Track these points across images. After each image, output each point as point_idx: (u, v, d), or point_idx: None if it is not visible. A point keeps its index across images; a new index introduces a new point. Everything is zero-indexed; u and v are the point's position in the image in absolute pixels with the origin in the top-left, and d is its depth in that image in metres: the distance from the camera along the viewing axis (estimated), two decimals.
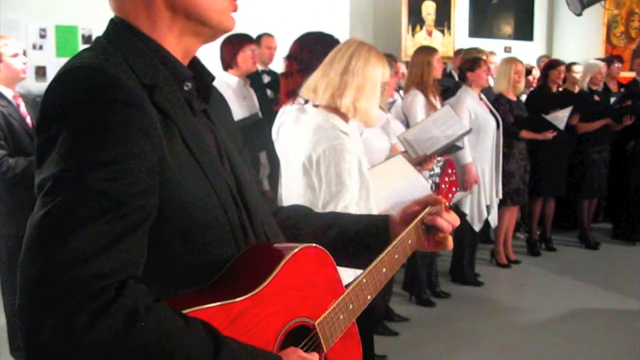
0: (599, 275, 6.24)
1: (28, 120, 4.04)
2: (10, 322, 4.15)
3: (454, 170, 1.85)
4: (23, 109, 4.06)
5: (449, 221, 1.58)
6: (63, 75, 1.14)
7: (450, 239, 1.61)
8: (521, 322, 5.06)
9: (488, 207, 5.76)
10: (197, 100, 1.33)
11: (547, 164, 6.54)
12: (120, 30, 1.25)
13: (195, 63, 1.35)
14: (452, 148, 4.50)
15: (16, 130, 3.92)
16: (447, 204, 1.71)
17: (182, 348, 1.02)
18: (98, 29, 6.65)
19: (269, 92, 5.73)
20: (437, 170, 1.81)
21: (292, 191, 2.77)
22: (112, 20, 1.29)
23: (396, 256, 1.52)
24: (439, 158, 1.85)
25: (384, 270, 1.49)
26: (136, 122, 1.09)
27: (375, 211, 2.75)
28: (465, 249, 5.89)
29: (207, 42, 1.34)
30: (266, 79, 5.78)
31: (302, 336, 1.30)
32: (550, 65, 6.84)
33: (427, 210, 1.60)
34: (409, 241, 1.56)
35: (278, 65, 5.41)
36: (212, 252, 1.23)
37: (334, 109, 2.68)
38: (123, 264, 1.03)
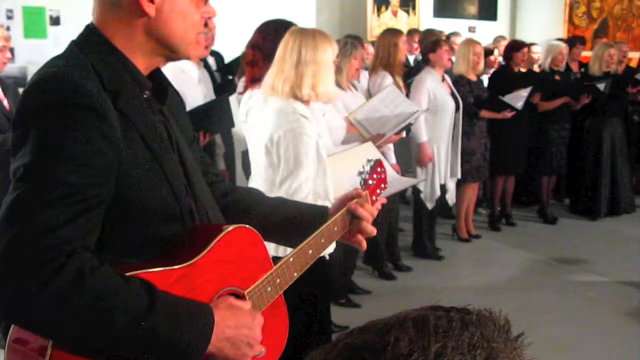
0: (555, 248, 6.50)
1: (5, 103, 4.24)
2: None
3: (383, 169, 2.07)
4: (0, 93, 4.26)
5: (369, 212, 1.85)
6: (37, 81, 1.38)
7: (371, 227, 1.86)
8: (479, 293, 5.28)
9: (443, 187, 5.96)
10: (155, 103, 1.57)
11: (508, 142, 6.72)
12: (94, 38, 1.48)
13: (156, 71, 1.59)
14: (407, 127, 4.69)
15: None
16: (374, 198, 1.98)
17: (121, 300, 1.28)
18: (66, 10, 6.72)
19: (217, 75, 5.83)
20: (368, 169, 2.03)
21: (255, 170, 3.01)
22: (88, 27, 1.51)
23: (322, 240, 1.75)
24: (369, 158, 2.07)
25: (311, 252, 1.72)
26: (96, 126, 1.33)
27: (331, 188, 2.95)
28: (424, 225, 6.11)
29: (168, 62, 1.59)
30: (210, 59, 5.85)
31: None
32: (513, 47, 6.98)
33: (352, 203, 1.85)
34: (335, 228, 1.80)
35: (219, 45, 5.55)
36: (162, 232, 1.47)
37: (294, 97, 2.87)
38: (74, 237, 1.28)
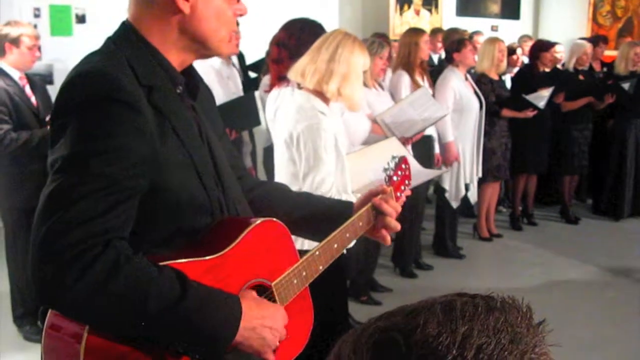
0: (576, 248, 6.47)
1: (33, 100, 4.30)
2: (13, 291, 4.37)
3: (407, 166, 2.10)
4: (28, 90, 4.32)
5: (393, 207, 1.89)
6: (74, 77, 1.42)
7: (395, 222, 1.90)
8: (500, 292, 5.26)
9: (467, 185, 5.97)
10: (187, 98, 1.61)
11: (530, 142, 6.70)
12: (129, 35, 1.52)
13: (188, 67, 1.63)
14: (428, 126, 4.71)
15: (20, 108, 4.20)
16: (398, 194, 2.02)
17: (155, 288, 1.33)
18: (91, 9, 6.80)
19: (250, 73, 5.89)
20: (392, 165, 2.06)
21: (278, 164, 3.07)
22: (123, 24, 1.55)
23: (347, 235, 1.80)
24: (394, 154, 2.09)
25: (336, 245, 1.76)
26: (132, 120, 1.38)
27: (349, 184, 3.01)
28: (446, 224, 6.12)
29: (201, 59, 1.63)
30: (233, 58, 5.91)
31: (261, 294, 1.57)
32: (541, 47, 6.95)
33: (378, 198, 1.89)
34: (360, 223, 1.84)
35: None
36: (192, 223, 1.52)
37: (318, 92, 2.91)
38: (111, 227, 1.33)
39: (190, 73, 1.63)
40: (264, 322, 1.48)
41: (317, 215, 1.90)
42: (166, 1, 1.49)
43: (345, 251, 2.97)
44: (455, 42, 6.02)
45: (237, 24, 5.33)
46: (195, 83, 1.65)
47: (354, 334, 0.74)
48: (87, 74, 1.41)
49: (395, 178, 2.01)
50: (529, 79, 6.81)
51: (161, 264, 1.38)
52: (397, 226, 1.90)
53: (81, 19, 6.87)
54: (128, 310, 1.32)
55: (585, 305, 5.04)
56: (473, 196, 6.17)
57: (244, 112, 4.63)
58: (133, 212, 1.40)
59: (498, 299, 0.74)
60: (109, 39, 1.54)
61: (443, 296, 0.75)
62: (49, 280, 1.29)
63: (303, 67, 2.94)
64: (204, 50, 1.58)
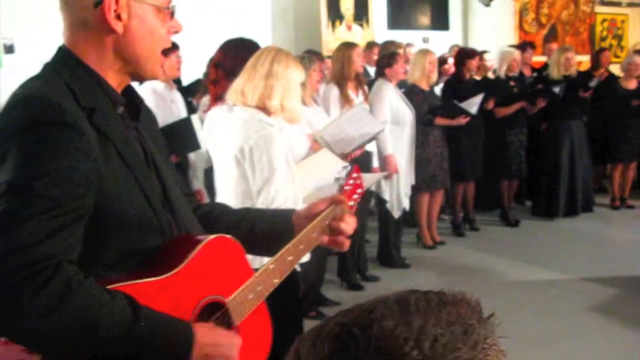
0: (518, 250, 6.63)
1: None
2: None
3: (358, 174, 2.11)
4: None
5: (349, 224, 1.89)
6: (13, 103, 1.41)
7: (347, 242, 1.90)
8: None
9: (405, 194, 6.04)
10: (129, 119, 1.60)
11: (463, 150, 6.83)
12: (66, 59, 1.51)
13: (128, 89, 1.62)
14: (367, 141, 4.76)
15: None
16: (350, 203, 2.01)
17: (106, 314, 1.31)
18: (19, 39, 6.66)
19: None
20: (343, 174, 2.07)
21: (223, 184, 3.02)
22: (60, 49, 1.54)
23: (301, 247, 1.78)
24: (345, 164, 2.11)
25: (290, 258, 1.75)
26: (73, 141, 1.36)
27: (300, 195, 3.00)
28: (390, 234, 6.17)
29: (137, 81, 1.64)
30: None
31: (216, 311, 1.56)
32: (466, 55, 7.10)
33: (331, 208, 1.88)
34: (314, 234, 1.83)
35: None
36: (143, 243, 1.50)
37: (260, 108, 2.92)
38: (59, 250, 1.31)
39: (129, 93, 1.62)
40: (217, 349, 1.47)
41: (259, 228, 1.88)
42: (99, 22, 1.48)
43: (298, 267, 2.99)
44: (386, 56, 6.10)
45: (177, 47, 5.30)
46: (137, 104, 1.64)
47: (312, 332, 0.76)
48: (26, 99, 1.40)
49: (346, 188, 2.02)
50: (456, 87, 6.94)
51: (113, 286, 1.37)
52: (347, 245, 1.90)
53: (9, 49, 6.73)
54: (79, 336, 1.30)
55: (530, 304, 5.15)
56: (406, 203, 6.18)
57: (182, 136, 4.60)
58: (80, 234, 1.38)
59: (449, 294, 0.78)
60: (46, 64, 1.53)
61: (396, 293, 0.78)
62: (1, 305, 1.27)
63: (242, 87, 2.94)
64: (139, 71, 1.57)
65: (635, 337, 4.58)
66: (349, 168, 2.06)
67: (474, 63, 7.02)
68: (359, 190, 2.09)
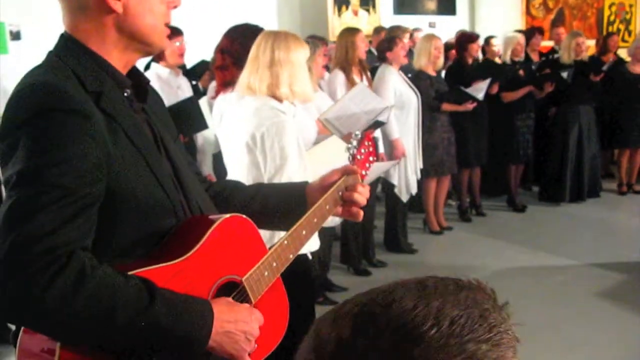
0: (525, 235, 6.61)
1: None
2: None
3: (370, 142, 2.05)
4: None
5: (362, 194, 1.87)
6: (19, 92, 1.41)
7: (361, 212, 1.89)
8: None
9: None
10: (136, 101, 1.60)
11: (468, 135, 6.80)
12: (69, 45, 1.51)
13: (134, 71, 1.62)
14: (376, 123, 4.73)
15: None
16: (362, 172, 1.97)
17: (122, 297, 1.32)
18: (25, 25, 6.67)
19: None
20: (355, 143, 2.03)
21: (235, 171, 2.98)
22: (62, 36, 1.54)
23: (315, 220, 1.77)
24: (357, 132, 2.05)
25: (304, 232, 1.74)
26: (82, 127, 1.36)
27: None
28: (397, 219, 6.17)
29: (144, 57, 1.64)
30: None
31: (233, 291, 1.56)
32: (467, 39, 7.07)
33: (343, 179, 1.85)
34: (327, 207, 1.81)
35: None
36: (156, 225, 1.50)
37: (270, 95, 2.89)
38: (73, 238, 1.32)
39: (136, 75, 1.62)
40: (237, 326, 1.48)
41: (272, 203, 1.87)
42: (98, 4, 1.48)
43: (309, 255, 2.98)
44: (386, 40, 6.08)
45: (181, 33, 5.28)
46: (143, 85, 1.64)
47: (331, 312, 0.77)
48: (32, 88, 1.40)
49: (359, 156, 1.98)
50: (460, 72, 6.91)
51: (128, 273, 1.37)
52: (361, 216, 1.89)
53: (16, 36, 6.72)
54: (96, 320, 1.30)
55: (537, 290, 5.15)
56: (414, 188, 6.18)
57: (188, 116, 4.59)
58: (94, 220, 1.38)
59: (465, 281, 0.80)
60: (50, 52, 1.53)
61: (414, 278, 0.79)
62: (16, 295, 1.27)
63: (247, 80, 2.91)
64: (145, 46, 1.57)
65: None
66: (360, 136, 2.01)
67: (475, 47, 7.00)
68: (372, 159, 2.04)
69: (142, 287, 1.35)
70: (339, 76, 5.47)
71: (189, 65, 6.34)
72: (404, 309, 0.73)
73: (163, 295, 1.37)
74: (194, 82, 5.87)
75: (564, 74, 7.26)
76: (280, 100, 2.91)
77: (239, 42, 3.34)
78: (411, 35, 7.67)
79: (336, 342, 0.73)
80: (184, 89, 5.13)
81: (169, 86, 4.95)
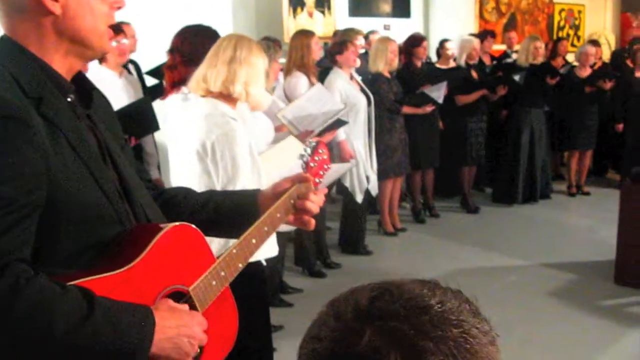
0: (478, 236, 6.70)
1: None
2: None
3: (324, 150, 2.04)
4: None
5: (315, 203, 1.86)
6: None
7: (312, 221, 1.88)
8: None
9: (368, 178, 6.03)
10: (80, 107, 1.54)
11: (420, 138, 6.84)
12: (8, 48, 1.44)
13: (79, 75, 1.56)
14: (336, 123, 4.76)
15: None
16: (316, 180, 1.96)
17: (60, 308, 1.27)
18: None
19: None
20: (309, 151, 2.01)
21: (183, 177, 2.91)
22: (1, 39, 1.47)
23: (265, 228, 1.74)
24: (310, 140, 2.04)
25: (254, 241, 1.71)
26: (21, 134, 1.31)
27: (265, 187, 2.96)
28: (353, 221, 6.18)
29: (88, 62, 1.59)
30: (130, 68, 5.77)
31: (179, 301, 1.53)
32: (413, 43, 7.11)
33: (295, 186, 1.84)
34: (278, 215, 1.79)
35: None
36: (99, 236, 1.46)
37: (222, 96, 2.84)
38: (10, 249, 1.27)
39: (80, 81, 1.56)
40: (180, 330, 1.44)
41: (224, 211, 1.85)
42: (35, 6, 1.42)
43: (264, 262, 2.94)
44: (337, 44, 6.10)
45: (121, 31, 5.16)
46: (88, 91, 1.58)
47: (345, 293, 0.88)
48: None
49: (312, 164, 1.97)
50: (409, 76, 6.95)
51: (69, 283, 1.33)
52: (313, 225, 1.88)
53: None
54: (33, 333, 1.25)
55: (491, 290, 5.21)
56: (374, 189, 6.19)
57: (140, 118, 4.51)
58: (32, 230, 1.33)
59: (449, 286, 0.91)
60: None
61: (414, 278, 0.90)
62: None
63: (203, 74, 2.85)
64: (86, 50, 1.51)
65: (594, 321, 4.67)
66: (314, 144, 2.00)
67: (421, 50, 7.06)
68: (326, 166, 2.03)
69: (81, 297, 1.31)
70: (302, 79, 5.47)
71: (144, 68, 6.26)
72: (414, 289, 0.85)
73: (102, 304, 1.33)
74: (157, 82, 5.79)
75: (516, 77, 7.37)
76: (231, 99, 2.86)
77: (189, 41, 3.31)
78: (367, 38, 7.69)
79: (354, 307, 0.83)
80: (128, 91, 5.01)
81: (113, 88, 4.84)
